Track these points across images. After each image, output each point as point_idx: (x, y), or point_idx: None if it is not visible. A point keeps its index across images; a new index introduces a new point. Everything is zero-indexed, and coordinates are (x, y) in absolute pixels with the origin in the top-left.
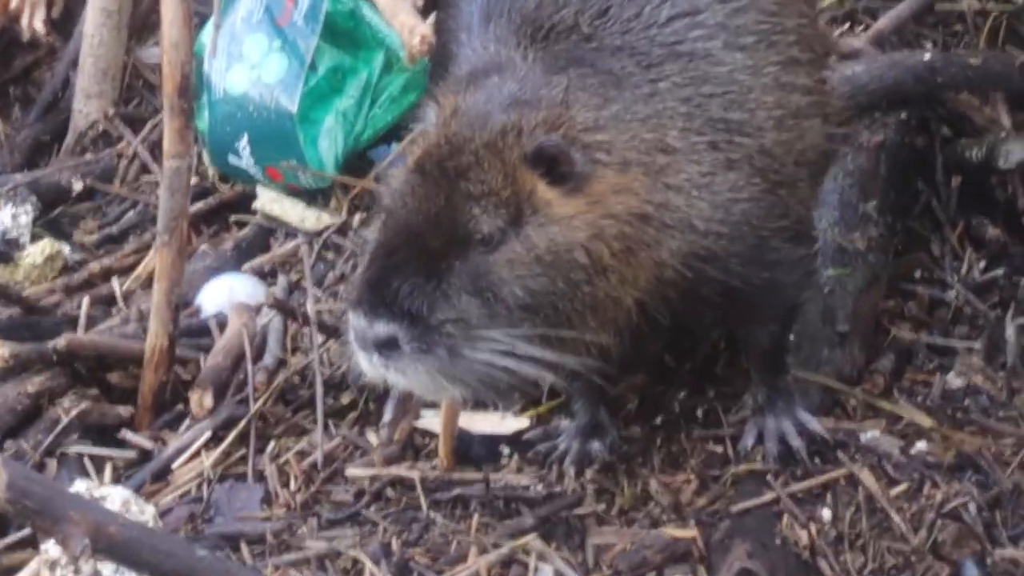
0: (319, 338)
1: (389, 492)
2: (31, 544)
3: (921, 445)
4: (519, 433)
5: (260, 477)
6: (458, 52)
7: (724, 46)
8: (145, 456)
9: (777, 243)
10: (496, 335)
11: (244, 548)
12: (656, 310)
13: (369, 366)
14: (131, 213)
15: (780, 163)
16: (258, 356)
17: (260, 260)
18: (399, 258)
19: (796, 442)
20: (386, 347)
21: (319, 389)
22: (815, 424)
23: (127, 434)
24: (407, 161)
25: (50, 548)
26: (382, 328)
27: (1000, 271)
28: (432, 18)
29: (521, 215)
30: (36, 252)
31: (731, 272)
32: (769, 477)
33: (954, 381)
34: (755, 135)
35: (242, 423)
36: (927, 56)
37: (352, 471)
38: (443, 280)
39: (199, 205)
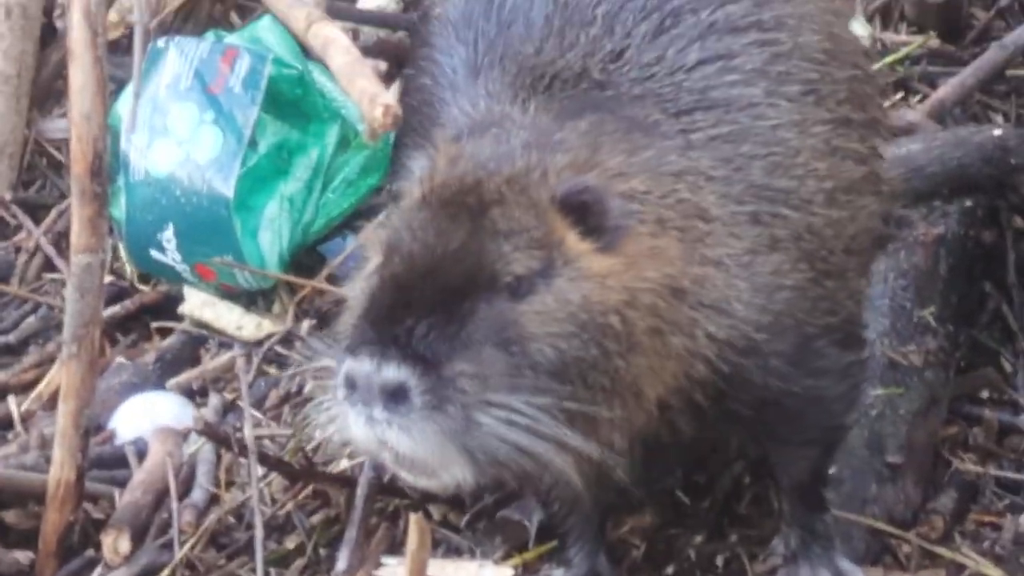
0: (259, 470)
1: None
2: None
3: None
4: None
5: None
6: (441, 114)
7: (766, 95)
8: None
9: (823, 345)
10: (517, 403)
11: None
12: (680, 413)
13: (366, 426)
14: (32, 319)
15: (829, 249)
16: (185, 491)
17: (188, 375)
18: (413, 295)
19: None
20: (393, 398)
21: (259, 532)
22: (859, 575)
23: None
24: (405, 204)
25: None
26: (391, 373)
27: None
28: (397, 85)
29: (552, 264)
30: None
31: (771, 372)
32: None
33: None
34: (803, 209)
35: (166, 572)
36: (998, 132)
37: None
38: (466, 324)
39: (114, 309)
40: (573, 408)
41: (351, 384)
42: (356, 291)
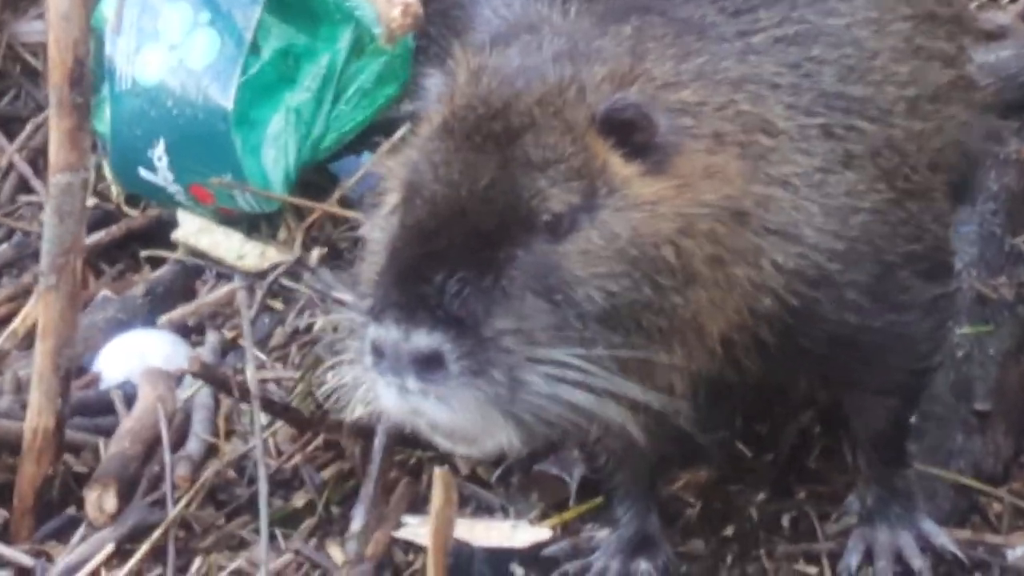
0: (263, 418)
1: None
2: None
3: None
4: (538, 547)
5: None
6: (473, 16)
7: None
8: (25, 575)
9: (906, 276)
10: (566, 357)
11: None
12: (745, 351)
13: (399, 397)
14: (4, 246)
15: (911, 166)
16: (179, 441)
17: (182, 311)
18: (440, 245)
19: (918, 562)
20: (427, 367)
21: (263, 487)
22: (944, 537)
23: (0, 546)
24: (424, 131)
25: None
26: (423, 340)
27: None
28: None
29: (595, 194)
30: None
31: (847, 306)
32: None
33: None
34: (881, 120)
35: (157, 532)
36: None
37: None
38: (502, 275)
39: (99, 235)
40: (628, 355)
41: (378, 352)
42: (375, 235)
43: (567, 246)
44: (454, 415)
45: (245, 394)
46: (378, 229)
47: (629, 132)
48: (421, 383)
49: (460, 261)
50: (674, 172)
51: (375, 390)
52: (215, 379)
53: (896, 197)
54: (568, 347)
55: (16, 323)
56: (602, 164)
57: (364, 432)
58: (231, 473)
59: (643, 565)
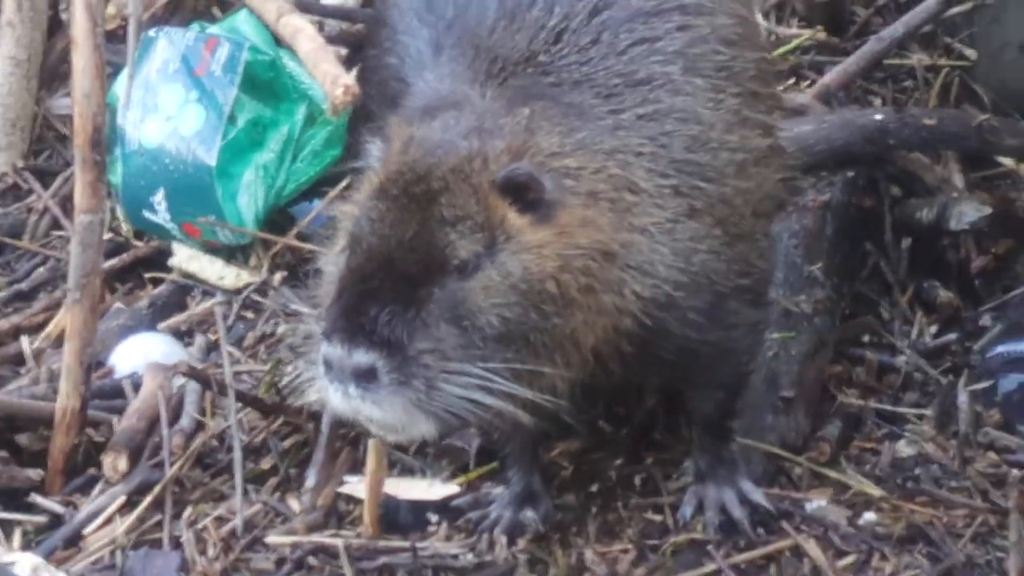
0: (236, 403)
1: (311, 560)
2: None
3: (869, 516)
4: (448, 500)
5: (176, 544)
6: (411, 85)
7: (683, 72)
8: (56, 521)
9: (735, 304)
10: (472, 368)
11: None
12: (610, 358)
13: (343, 399)
14: (41, 269)
15: (739, 215)
16: (174, 418)
17: (176, 319)
18: (375, 284)
19: (738, 512)
20: (364, 378)
21: (237, 454)
22: (758, 495)
23: (37, 498)
24: (365, 190)
25: None
26: (361, 357)
27: (952, 336)
28: (357, 69)
29: (495, 241)
30: None
31: (688, 324)
32: (710, 548)
33: (904, 450)
34: (717, 181)
35: (157, 488)
36: (879, 116)
37: (273, 538)
38: (422, 308)
39: (112, 262)
40: (519, 366)
41: (328, 365)
42: (328, 267)
43: (472, 284)
44: (384, 414)
45: (222, 388)
46: (331, 263)
47: (523, 192)
48: (360, 390)
49: (390, 297)
50: (557, 223)
51: (326, 392)
52: (199, 377)
53: (729, 240)
54: (473, 361)
55: (49, 328)
56: (500, 218)
57: (315, 414)
58: (214, 443)
59: (529, 513)
